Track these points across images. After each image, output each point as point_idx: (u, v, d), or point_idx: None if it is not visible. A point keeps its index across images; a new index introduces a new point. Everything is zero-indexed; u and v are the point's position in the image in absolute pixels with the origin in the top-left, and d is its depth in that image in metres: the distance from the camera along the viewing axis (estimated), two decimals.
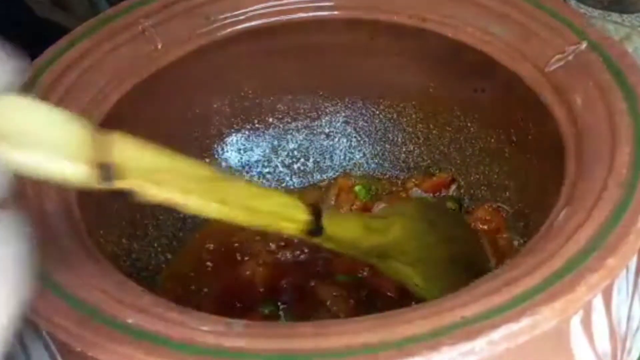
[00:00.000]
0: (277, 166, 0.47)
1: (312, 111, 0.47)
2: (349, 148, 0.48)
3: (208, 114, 0.45)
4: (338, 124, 0.47)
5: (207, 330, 0.27)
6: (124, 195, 0.23)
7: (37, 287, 0.28)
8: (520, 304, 0.26)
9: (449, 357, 0.25)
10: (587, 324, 0.28)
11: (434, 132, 0.46)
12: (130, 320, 0.27)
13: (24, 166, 0.20)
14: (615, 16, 0.54)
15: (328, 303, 0.41)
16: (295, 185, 0.48)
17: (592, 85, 0.34)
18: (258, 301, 0.41)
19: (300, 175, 0.48)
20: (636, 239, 0.28)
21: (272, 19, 0.42)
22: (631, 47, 0.51)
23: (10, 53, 0.17)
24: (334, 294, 0.41)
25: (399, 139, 0.47)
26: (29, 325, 0.29)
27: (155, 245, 0.43)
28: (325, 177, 0.48)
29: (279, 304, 0.40)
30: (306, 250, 0.43)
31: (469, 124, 0.44)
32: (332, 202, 0.45)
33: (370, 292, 0.42)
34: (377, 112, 0.47)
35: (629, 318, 0.30)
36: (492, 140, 0.43)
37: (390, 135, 0.47)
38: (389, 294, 0.41)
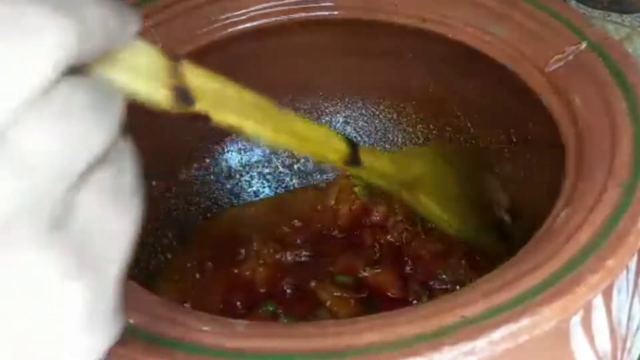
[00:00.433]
0: (277, 166, 0.47)
1: (312, 111, 0.47)
2: None
3: None
4: (338, 124, 0.47)
5: (208, 331, 0.27)
6: (194, 119, 0.25)
7: None
8: (521, 304, 0.26)
9: (449, 356, 0.25)
10: (587, 324, 0.28)
11: (434, 132, 0.46)
12: (131, 321, 0.27)
13: (118, 87, 0.22)
14: (615, 16, 0.54)
15: (328, 304, 0.41)
16: (295, 185, 0.48)
17: (592, 85, 0.34)
18: (259, 301, 0.41)
19: (301, 175, 0.48)
20: (636, 239, 0.28)
21: (273, 19, 0.42)
22: (631, 48, 0.51)
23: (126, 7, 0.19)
24: (334, 294, 0.41)
25: (399, 139, 0.47)
26: None
27: (156, 245, 0.43)
28: (325, 178, 0.48)
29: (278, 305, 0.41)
30: (306, 253, 0.43)
31: (468, 124, 0.44)
32: (332, 202, 0.45)
33: (370, 292, 0.42)
34: (377, 112, 0.47)
35: (629, 318, 0.30)
36: (492, 140, 0.43)
37: (390, 136, 0.47)
38: (389, 294, 0.41)
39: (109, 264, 0.19)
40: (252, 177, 0.47)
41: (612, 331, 0.29)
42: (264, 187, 0.47)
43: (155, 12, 0.41)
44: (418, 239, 0.42)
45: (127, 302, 0.28)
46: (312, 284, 0.42)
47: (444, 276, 0.42)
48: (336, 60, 0.44)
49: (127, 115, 0.35)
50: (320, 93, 0.46)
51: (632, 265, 0.30)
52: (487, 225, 0.41)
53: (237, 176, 0.47)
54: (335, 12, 0.42)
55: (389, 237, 0.43)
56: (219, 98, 0.25)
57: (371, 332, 0.26)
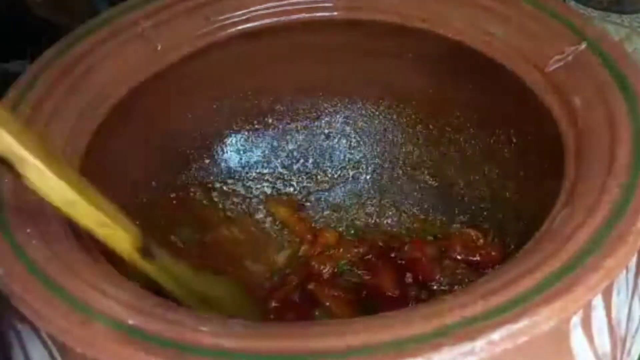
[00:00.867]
0: (276, 167, 0.47)
1: (311, 112, 0.47)
2: (349, 149, 0.48)
3: (207, 115, 0.45)
4: (338, 125, 0.47)
5: (207, 331, 0.27)
6: None
7: (37, 288, 0.28)
8: (520, 304, 0.26)
9: (449, 357, 0.25)
10: (586, 324, 0.28)
11: (434, 132, 0.46)
12: (130, 321, 0.27)
13: None
14: (614, 17, 0.54)
15: (328, 304, 0.41)
16: (295, 186, 0.48)
17: (592, 85, 0.34)
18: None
19: (300, 175, 0.48)
20: (636, 239, 0.28)
21: (272, 20, 0.42)
22: (631, 48, 0.51)
23: None
24: (334, 294, 0.41)
25: (399, 140, 0.47)
26: (29, 326, 0.29)
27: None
28: (325, 178, 0.48)
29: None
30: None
31: (468, 125, 0.44)
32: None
33: (370, 292, 0.42)
34: (377, 113, 0.47)
35: (628, 318, 0.30)
36: (492, 140, 0.43)
37: (390, 136, 0.47)
38: (388, 294, 0.41)
39: None
40: (252, 178, 0.47)
41: (612, 331, 0.29)
42: (264, 188, 0.47)
43: (155, 13, 0.41)
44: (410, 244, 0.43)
45: (126, 303, 0.28)
46: (311, 285, 0.42)
47: (442, 278, 0.42)
48: (336, 61, 0.44)
49: (127, 116, 0.35)
50: (320, 93, 0.46)
51: (632, 265, 0.30)
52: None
53: (237, 176, 0.47)
54: (335, 13, 0.42)
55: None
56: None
57: (371, 332, 0.26)
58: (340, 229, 0.46)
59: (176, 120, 0.44)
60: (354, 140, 0.48)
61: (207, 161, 0.46)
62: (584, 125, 0.33)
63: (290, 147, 0.47)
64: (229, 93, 0.45)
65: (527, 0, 0.39)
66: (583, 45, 0.36)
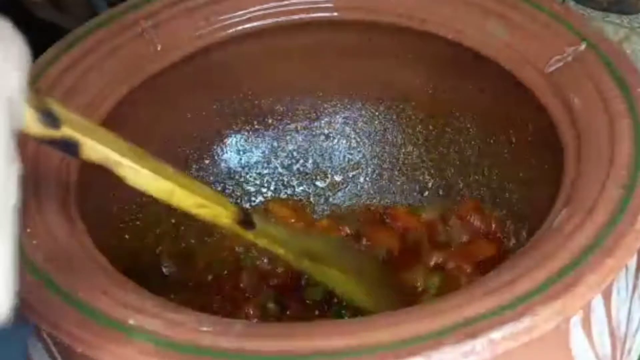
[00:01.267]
0: (276, 167, 0.47)
1: (311, 112, 0.47)
2: (349, 149, 0.48)
3: (207, 115, 0.45)
4: (337, 125, 0.47)
5: (207, 331, 0.27)
6: (64, 148, 0.24)
7: (37, 288, 0.28)
8: (520, 304, 0.26)
9: (449, 357, 0.25)
10: (586, 324, 0.28)
11: (434, 133, 0.46)
12: (130, 321, 0.27)
13: None
14: (614, 17, 0.54)
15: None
16: (295, 186, 0.48)
17: (591, 86, 0.34)
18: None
19: (300, 176, 0.48)
20: (635, 239, 0.28)
21: (272, 20, 0.42)
22: (630, 48, 0.51)
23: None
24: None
25: (399, 140, 0.47)
26: (30, 327, 0.29)
27: (156, 245, 0.43)
28: (325, 179, 0.48)
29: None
30: None
31: (468, 125, 0.44)
32: None
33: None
34: (377, 113, 0.47)
35: (628, 319, 0.30)
36: (491, 141, 0.43)
37: (389, 136, 0.47)
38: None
39: None
40: (251, 178, 0.47)
41: (612, 331, 0.29)
42: (263, 188, 0.47)
43: (155, 13, 0.41)
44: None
45: (126, 303, 0.28)
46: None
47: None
48: (336, 61, 0.44)
49: (127, 117, 0.35)
50: (320, 94, 0.46)
51: (632, 265, 0.30)
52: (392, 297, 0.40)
53: (237, 177, 0.47)
54: (335, 14, 0.42)
55: None
56: (89, 130, 0.25)
57: (371, 332, 0.26)
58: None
59: (176, 120, 0.44)
60: (353, 140, 0.48)
61: (206, 161, 0.46)
62: (583, 125, 0.33)
63: (290, 147, 0.47)
64: (229, 93, 0.45)
65: (526, 0, 0.39)
66: (582, 46, 0.36)
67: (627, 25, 0.52)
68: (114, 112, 0.38)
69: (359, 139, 0.47)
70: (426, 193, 0.46)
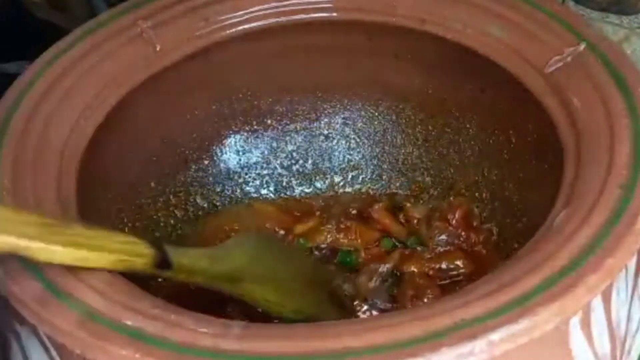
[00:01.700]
0: (275, 168, 0.47)
1: (310, 113, 0.47)
2: (348, 149, 0.48)
3: (207, 116, 0.45)
4: (337, 126, 0.47)
5: (205, 332, 0.27)
6: None
7: (36, 289, 0.28)
8: (520, 305, 0.26)
9: (448, 358, 0.25)
10: (586, 325, 0.28)
11: (433, 133, 0.46)
12: (128, 322, 0.27)
13: None
14: (613, 17, 0.54)
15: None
16: (294, 187, 0.48)
17: (591, 86, 0.34)
18: None
19: (299, 177, 0.48)
20: (635, 239, 0.28)
21: (271, 21, 0.42)
22: (630, 49, 0.51)
23: None
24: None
25: (398, 141, 0.47)
26: (28, 328, 0.29)
27: None
28: (325, 180, 0.48)
29: None
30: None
31: (467, 126, 0.44)
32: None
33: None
34: (376, 114, 0.47)
35: (628, 319, 0.30)
36: (491, 141, 0.43)
37: (389, 137, 0.47)
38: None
39: None
40: (251, 179, 0.47)
41: (612, 332, 0.29)
42: (262, 189, 0.47)
43: (155, 13, 0.41)
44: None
45: (124, 304, 0.28)
46: None
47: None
48: (335, 62, 0.44)
49: (126, 117, 0.36)
50: (319, 94, 0.46)
51: (631, 266, 0.30)
52: (328, 296, 0.40)
53: (236, 177, 0.47)
54: (335, 14, 0.42)
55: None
56: None
57: (370, 333, 0.26)
58: None
59: (175, 120, 0.44)
60: (353, 141, 0.47)
61: (206, 162, 0.46)
62: (583, 125, 0.33)
63: (290, 148, 0.47)
64: (228, 94, 0.45)
65: (526, 1, 0.39)
66: (582, 46, 0.36)
67: (626, 26, 0.52)
68: (113, 113, 0.38)
69: (358, 140, 0.47)
70: (425, 193, 0.46)
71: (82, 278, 0.28)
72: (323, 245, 0.44)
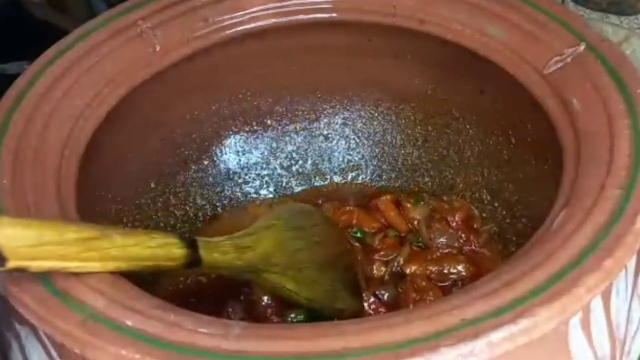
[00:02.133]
0: (275, 168, 0.47)
1: (310, 113, 0.47)
2: (348, 150, 0.48)
3: (206, 116, 0.45)
4: (336, 126, 0.47)
5: (206, 333, 0.27)
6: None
7: (36, 289, 0.28)
8: (519, 305, 0.26)
9: (448, 358, 0.25)
10: (586, 325, 0.28)
11: (433, 134, 0.46)
12: (129, 322, 0.27)
13: None
14: (613, 18, 0.54)
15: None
16: (294, 187, 0.48)
17: (591, 87, 0.34)
18: (257, 302, 0.41)
19: (299, 177, 0.48)
20: (635, 240, 0.28)
21: (271, 21, 0.42)
22: (629, 49, 0.51)
23: None
24: None
25: (398, 141, 0.47)
26: (28, 327, 0.29)
27: None
28: (323, 180, 0.48)
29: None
30: None
31: (467, 126, 0.44)
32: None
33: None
34: (376, 114, 0.47)
35: (627, 319, 0.30)
36: (491, 142, 0.43)
37: (388, 137, 0.47)
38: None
39: None
40: (250, 179, 0.47)
41: (611, 333, 0.29)
42: (262, 189, 0.47)
43: (154, 13, 0.41)
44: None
45: (124, 304, 0.28)
46: None
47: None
48: (335, 62, 0.44)
49: (126, 117, 0.36)
50: (319, 95, 0.46)
51: (631, 266, 0.30)
52: (344, 284, 0.40)
53: (236, 178, 0.47)
54: (334, 14, 0.42)
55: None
56: (34, 247, 0.27)
57: (370, 333, 0.26)
58: None
59: (175, 121, 0.44)
60: (352, 141, 0.47)
61: (205, 162, 0.46)
62: (582, 126, 0.33)
63: (289, 148, 0.47)
64: (228, 94, 0.45)
65: (525, 1, 0.39)
66: (582, 47, 0.36)
67: (626, 26, 0.52)
68: (113, 113, 0.38)
69: (358, 140, 0.47)
70: (425, 194, 0.46)
71: (82, 278, 0.28)
72: None
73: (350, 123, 0.47)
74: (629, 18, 0.53)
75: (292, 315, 0.39)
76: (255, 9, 0.42)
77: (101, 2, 0.61)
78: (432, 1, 0.40)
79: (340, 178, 0.48)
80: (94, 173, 0.37)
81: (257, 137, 0.47)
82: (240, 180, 0.47)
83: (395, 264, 0.42)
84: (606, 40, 0.37)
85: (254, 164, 0.47)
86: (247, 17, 0.41)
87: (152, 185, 0.44)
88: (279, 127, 0.47)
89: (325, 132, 0.47)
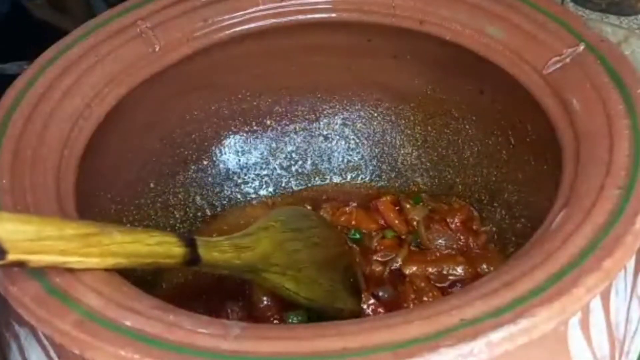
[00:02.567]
0: (275, 168, 0.47)
1: (310, 113, 0.47)
2: (347, 150, 0.48)
3: (206, 116, 0.45)
4: (336, 126, 0.47)
5: (205, 333, 0.27)
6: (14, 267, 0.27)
7: (35, 289, 0.28)
8: (519, 305, 0.26)
9: (447, 358, 0.25)
10: (585, 325, 0.28)
11: (432, 134, 0.46)
12: (128, 323, 0.27)
13: None
14: (613, 18, 0.54)
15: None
16: (293, 187, 0.48)
17: (590, 87, 0.34)
18: (257, 302, 0.41)
19: (298, 177, 0.48)
20: (634, 240, 0.28)
21: (270, 21, 0.42)
22: (629, 50, 0.51)
23: None
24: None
25: (397, 141, 0.47)
26: (27, 328, 0.29)
27: None
28: (323, 180, 0.48)
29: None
30: None
31: (467, 126, 0.44)
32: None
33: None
34: (375, 114, 0.47)
35: (627, 320, 0.30)
36: (490, 142, 0.43)
37: (388, 137, 0.47)
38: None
39: None
40: (250, 179, 0.47)
41: (610, 333, 0.29)
42: (261, 189, 0.47)
43: (154, 14, 0.40)
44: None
45: (123, 304, 0.28)
46: None
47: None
48: (334, 62, 0.44)
49: (126, 118, 0.36)
50: (319, 95, 0.46)
51: (630, 266, 0.30)
52: (343, 284, 0.40)
53: (235, 178, 0.47)
54: (333, 15, 0.42)
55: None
56: (34, 242, 0.27)
57: (369, 333, 0.26)
58: None
59: (174, 121, 0.44)
60: (352, 141, 0.48)
61: (205, 162, 0.46)
62: (582, 126, 0.33)
63: (289, 148, 0.47)
64: (227, 94, 0.45)
65: (525, 1, 0.39)
66: (581, 47, 0.36)
67: (626, 27, 0.52)
68: (112, 113, 0.38)
69: (357, 140, 0.47)
70: (425, 194, 0.46)
71: (81, 278, 0.28)
72: None
73: (349, 123, 0.47)
74: (628, 18, 0.53)
75: (292, 316, 0.39)
76: (255, 9, 0.42)
77: (101, 2, 0.61)
78: (432, 1, 0.40)
79: (340, 178, 0.48)
80: (94, 173, 0.37)
81: (257, 138, 0.47)
82: (239, 181, 0.47)
83: (394, 264, 0.42)
84: (606, 41, 0.37)
85: (254, 164, 0.47)
86: (246, 17, 0.41)
87: (152, 185, 0.44)
88: (279, 128, 0.47)
89: (324, 133, 0.47)
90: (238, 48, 0.42)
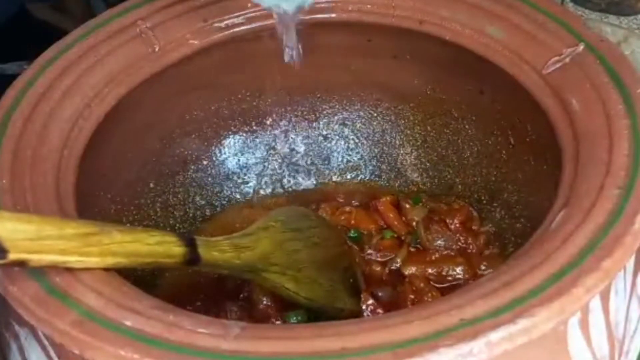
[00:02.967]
0: (274, 168, 0.47)
1: (309, 113, 0.47)
2: (347, 150, 0.48)
3: (206, 116, 0.45)
4: (336, 126, 0.47)
5: (205, 333, 0.27)
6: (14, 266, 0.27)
7: (34, 289, 0.28)
8: (518, 305, 0.26)
9: (447, 358, 0.25)
10: (584, 325, 0.28)
11: (432, 134, 0.46)
12: (127, 323, 0.27)
13: None
14: (612, 18, 0.54)
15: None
16: (293, 187, 0.48)
17: (590, 87, 0.34)
18: (256, 302, 0.41)
19: (298, 177, 0.48)
20: (633, 240, 0.28)
21: (270, 22, 0.42)
22: (628, 50, 0.51)
23: None
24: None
25: (397, 141, 0.47)
26: (27, 328, 0.29)
27: None
28: (323, 180, 0.48)
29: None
30: None
31: (466, 126, 0.44)
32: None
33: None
34: (375, 114, 0.47)
35: (626, 320, 0.30)
36: (490, 142, 0.43)
37: (388, 137, 0.47)
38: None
39: None
40: (249, 179, 0.47)
41: (610, 333, 0.29)
42: (261, 189, 0.47)
43: (153, 14, 0.41)
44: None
45: (122, 304, 0.28)
46: None
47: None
48: (334, 62, 0.44)
49: (125, 117, 0.36)
50: (318, 95, 0.46)
51: (630, 266, 0.30)
52: (343, 284, 0.40)
53: (235, 178, 0.47)
54: (333, 15, 0.42)
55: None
56: (34, 241, 0.27)
57: (368, 333, 0.26)
58: None
59: (174, 121, 0.44)
60: (352, 141, 0.48)
61: (205, 162, 0.46)
62: (581, 126, 0.33)
63: (289, 148, 0.47)
64: (227, 94, 0.45)
65: (525, 1, 0.39)
66: (581, 47, 0.36)
67: (625, 27, 0.52)
68: (112, 113, 0.38)
69: (357, 140, 0.47)
70: (424, 194, 0.46)
71: (80, 278, 0.28)
72: None
73: (349, 123, 0.47)
74: (628, 18, 0.53)
75: (292, 316, 0.39)
76: (254, 8, 0.42)
77: (101, 2, 0.61)
78: (432, 1, 0.40)
79: (340, 178, 0.48)
80: (93, 173, 0.37)
81: (257, 137, 0.47)
82: (239, 181, 0.47)
83: (393, 265, 0.42)
84: (605, 41, 0.37)
85: (253, 164, 0.47)
86: (246, 17, 0.41)
87: (152, 185, 0.44)
88: (279, 128, 0.47)
89: (324, 132, 0.47)
90: (238, 48, 0.42)
